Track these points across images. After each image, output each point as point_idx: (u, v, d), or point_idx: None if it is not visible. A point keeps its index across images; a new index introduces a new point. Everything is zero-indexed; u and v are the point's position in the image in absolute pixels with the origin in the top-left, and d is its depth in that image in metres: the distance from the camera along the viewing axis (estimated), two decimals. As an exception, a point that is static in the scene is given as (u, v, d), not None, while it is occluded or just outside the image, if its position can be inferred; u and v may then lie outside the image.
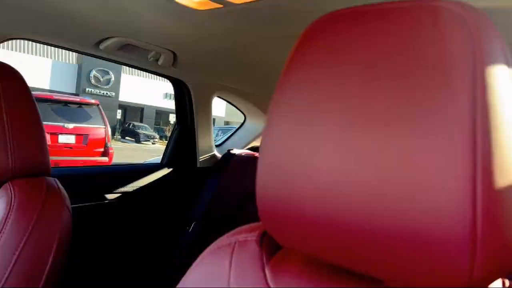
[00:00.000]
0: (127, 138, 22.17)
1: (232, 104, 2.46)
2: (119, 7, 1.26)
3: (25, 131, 0.95)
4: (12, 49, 18.36)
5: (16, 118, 0.93)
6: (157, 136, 22.84)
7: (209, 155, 2.28)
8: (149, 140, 21.93)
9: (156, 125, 26.09)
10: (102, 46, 1.58)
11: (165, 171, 2.11)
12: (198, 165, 2.23)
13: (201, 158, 2.24)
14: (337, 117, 0.42)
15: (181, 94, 2.10)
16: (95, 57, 1.71)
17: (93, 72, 20.84)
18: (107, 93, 21.34)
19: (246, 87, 2.20)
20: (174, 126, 2.20)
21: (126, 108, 24.47)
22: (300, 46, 0.49)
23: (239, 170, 2.12)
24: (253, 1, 1.05)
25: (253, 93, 2.28)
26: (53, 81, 19.67)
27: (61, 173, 1.78)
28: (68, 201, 0.97)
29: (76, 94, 18.96)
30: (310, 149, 0.44)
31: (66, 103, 8.28)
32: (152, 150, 16.77)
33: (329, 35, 0.46)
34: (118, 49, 1.61)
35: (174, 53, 1.71)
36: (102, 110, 8.67)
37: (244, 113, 2.54)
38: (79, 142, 8.05)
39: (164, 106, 25.26)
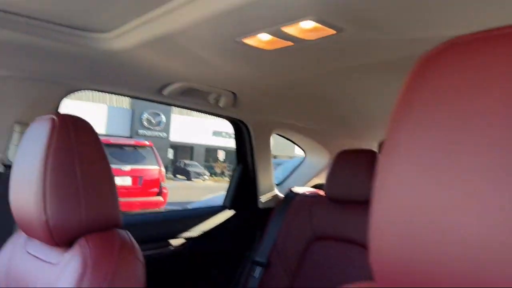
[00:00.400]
0: (178, 176, 22.66)
1: (291, 141, 2.40)
2: (184, 53, 1.26)
3: (97, 184, 0.92)
4: (69, 98, 19.63)
5: (89, 170, 0.91)
6: (207, 173, 23.16)
7: (270, 195, 2.20)
8: (199, 177, 22.26)
9: (206, 162, 26.53)
10: (165, 92, 1.58)
11: (227, 213, 2.06)
12: (260, 206, 2.16)
13: (262, 198, 2.17)
14: (481, 162, 0.34)
15: (241, 134, 2.07)
16: (157, 102, 1.72)
17: (145, 115, 21.75)
18: (159, 134, 22.12)
19: (306, 123, 2.14)
20: (235, 167, 2.16)
21: (177, 147, 25.16)
22: (418, 77, 0.41)
23: (303, 210, 2.02)
24: (327, 36, 0.99)
25: (313, 128, 2.21)
26: (109, 126, 20.72)
27: (127, 221, 1.77)
28: (140, 254, 0.93)
29: (130, 137, 19.78)
30: (442, 200, 0.36)
31: (122, 146, 8.61)
32: (203, 188, 16.95)
33: (457, 64, 0.38)
34: (180, 93, 1.61)
35: (234, 94, 1.69)
36: (155, 151, 8.92)
37: (304, 149, 2.46)
38: (135, 183, 8.27)
39: (213, 143, 25.74)
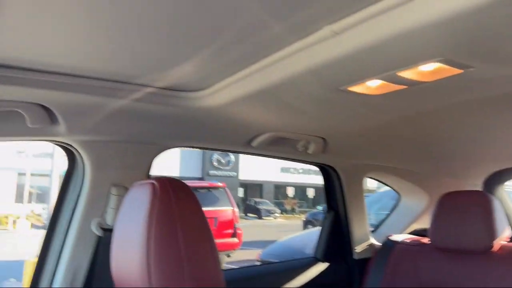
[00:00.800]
0: (249, 214, 22.72)
1: (383, 183, 2.23)
2: (278, 104, 1.20)
3: (199, 249, 0.87)
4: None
5: (190, 235, 0.86)
6: (278, 211, 22.98)
7: (366, 244, 2.03)
8: (270, 215, 22.14)
9: (275, 199, 26.41)
10: (254, 144, 1.54)
11: (320, 266, 1.92)
12: (355, 257, 1.99)
13: (357, 248, 2.00)
14: None
15: (330, 179, 1.95)
16: (244, 154, 1.68)
17: (215, 156, 22.37)
18: (228, 174, 22.53)
19: (401, 164, 1.97)
20: (325, 215, 2.03)
21: (247, 186, 25.40)
22: None
23: (407, 261, 1.82)
24: (450, 76, 0.87)
25: (409, 169, 2.03)
26: (182, 169, 21.52)
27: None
28: None
29: (202, 178, 20.35)
30: None
31: (196, 188, 8.79)
32: (275, 226, 16.79)
33: None
34: (268, 143, 1.55)
35: (324, 139, 1.60)
36: (228, 192, 9.00)
37: (399, 192, 2.27)
38: (210, 225, 8.29)
39: (282, 180, 25.64)
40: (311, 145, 1.62)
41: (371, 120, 1.38)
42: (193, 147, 1.54)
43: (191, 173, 21.22)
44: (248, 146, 1.56)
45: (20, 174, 19.21)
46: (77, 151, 1.34)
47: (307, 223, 14.13)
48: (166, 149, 1.48)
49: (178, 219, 0.85)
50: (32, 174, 18.01)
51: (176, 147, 1.50)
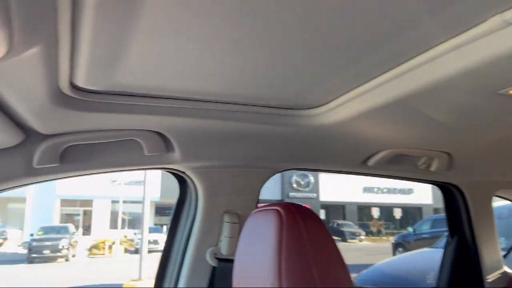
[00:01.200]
0: (333, 237, 22.06)
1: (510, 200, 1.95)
2: (404, 118, 1.07)
3: (334, 279, 0.79)
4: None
5: (324, 264, 0.78)
6: (363, 233, 22.02)
7: (499, 273, 1.76)
8: (355, 238, 21.28)
9: (359, 220, 25.40)
10: (370, 163, 1.41)
11: (446, 298, 1.69)
12: (486, 287, 1.74)
13: (489, 277, 1.75)
14: None
15: (454, 200, 1.74)
16: (358, 174, 1.54)
17: (294, 177, 22.20)
18: (308, 195, 22.19)
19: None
20: (447, 240, 1.81)
21: (328, 207, 24.79)
22: None
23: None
24: None
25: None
26: (263, 191, 21.67)
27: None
28: None
29: (282, 200, 20.24)
30: None
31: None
32: (361, 249, 16.07)
33: None
34: (386, 162, 1.41)
35: (449, 155, 1.41)
36: (313, 214, 8.78)
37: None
38: (296, 249, 8.17)
39: (365, 200, 24.67)
40: (434, 162, 1.45)
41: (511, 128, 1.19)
42: (304, 169, 1.45)
43: (271, 195, 21.21)
44: (363, 166, 1.43)
45: (113, 201, 20.66)
46: (190, 178, 1.31)
47: (397, 246, 13.29)
48: (276, 173, 1.40)
49: (309, 246, 0.77)
50: (124, 201, 19.25)
51: (287, 169, 1.42)
